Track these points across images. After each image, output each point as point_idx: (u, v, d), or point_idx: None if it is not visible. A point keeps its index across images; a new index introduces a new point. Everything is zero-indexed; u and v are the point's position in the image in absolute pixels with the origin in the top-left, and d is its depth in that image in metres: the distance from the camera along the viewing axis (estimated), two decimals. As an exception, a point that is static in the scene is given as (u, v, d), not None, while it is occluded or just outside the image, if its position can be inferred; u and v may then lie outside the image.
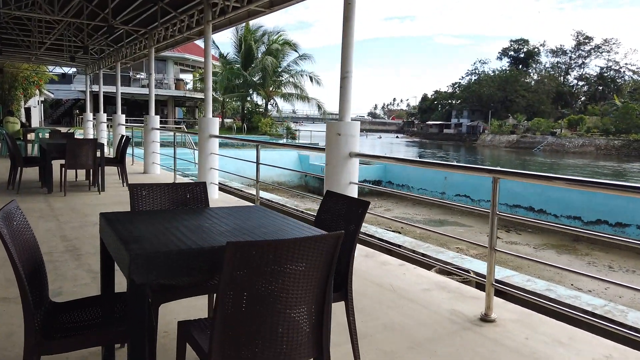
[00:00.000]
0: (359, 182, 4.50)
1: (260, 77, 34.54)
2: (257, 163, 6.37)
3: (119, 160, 8.56)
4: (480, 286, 3.79)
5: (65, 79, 40.16)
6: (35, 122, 29.94)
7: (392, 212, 19.58)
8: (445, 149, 69.74)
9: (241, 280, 1.54)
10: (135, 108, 42.69)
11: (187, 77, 47.12)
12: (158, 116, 11.02)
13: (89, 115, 19.02)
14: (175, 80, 42.63)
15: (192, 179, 12.24)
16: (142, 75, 44.38)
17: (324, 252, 1.65)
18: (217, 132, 7.80)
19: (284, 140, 33.09)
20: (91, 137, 18.79)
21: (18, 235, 1.97)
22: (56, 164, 7.72)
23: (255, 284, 1.56)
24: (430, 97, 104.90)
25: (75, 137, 9.92)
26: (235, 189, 9.62)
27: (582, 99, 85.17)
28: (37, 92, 23.78)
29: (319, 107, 35.31)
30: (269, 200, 9.22)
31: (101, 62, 17.00)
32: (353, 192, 4.58)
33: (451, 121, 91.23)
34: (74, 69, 39.44)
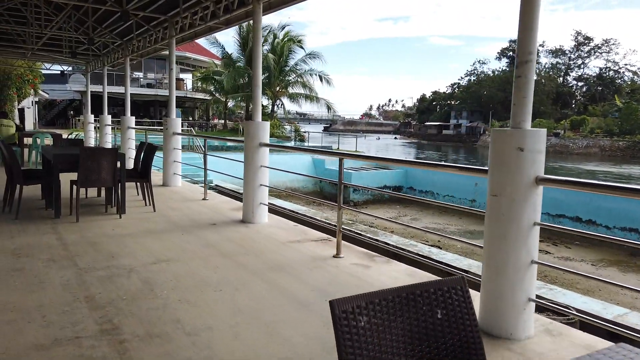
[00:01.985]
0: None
1: (266, 76, 32.88)
2: (341, 182, 4.81)
3: (141, 174, 6.93)
4: None
5: (61, 78, 38.32)
6: (29, 124, 28.14)
7: (420, 221, 18.05)
8: (444, 150, 68.61)
9: None
10: (133, 109, 40.84)
11: (187, 77, 45.41)
12: (180, 119, 9.40)
13: (90, 117, 17.32)
14: (176, 80, 40.94)
15: (200, 186, 10.64)
16: (140, 74, 42.60)
17: None
18: (268, 139, 6.21)
19: (292, 143, 31.47)
20: (92, 140, 17.11)
21: None
22: (63, 178, 6.10)
23: None
24: (428, 97, 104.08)
25: (87, 145, 8.24)
26: (285, 209, 8.01)
27: (581, 99, 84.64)
28: (32, 91, 22.01)
29: (329, 108, 33.68)
30: (318, 220, 7.62)
31: (105, 58, 15.32)
32: (536, 235, 3.03)
33: (450, 122, 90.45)
34: (70, 68, 37.68)
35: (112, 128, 15.34)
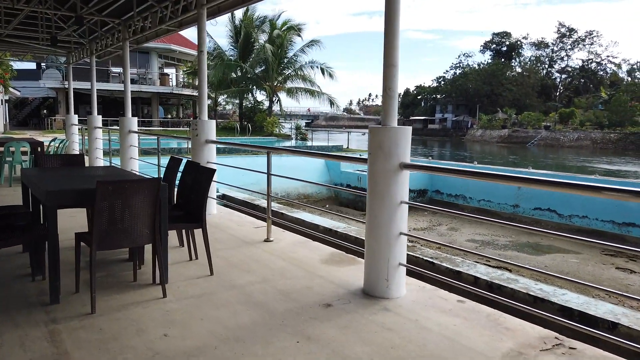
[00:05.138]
0: None
1: (263, 69, 30.06)
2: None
3: (188, 215, 4.35)
4: None
5: (32, 74, 34.86)
6: (-1, 125, 24.89)
7: (461, 232, 15.76)
8: (430, 145, 67.16)
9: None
10: (113, 107, 37.69)
11: (172, 72, 42.25)
12: (214, 121, 6.81)
13: (74, 118, 14.49)
14: (160, 75, 37.75)
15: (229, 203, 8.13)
16: (121, 70, 39.27)
17: None
18: (409, 156, 3.71)
19: (292, 142, 28.88)
20: (76, 144, 14.29)
21: None
22: (63, 218, 3.53)
23: None
24: (412, 91, 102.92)
25: (97, 166, 5.40)
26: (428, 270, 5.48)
27: (564, 92, 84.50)
28: (1, 88, 18.88)
29: (331, 103, 31.05)
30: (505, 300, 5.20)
31: (93, 46, 12.53)
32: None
33: (435, 116, 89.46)
34: (44, 64, 34.16)
35: (102, 131, 12.58)
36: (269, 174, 5.36)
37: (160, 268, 3.69)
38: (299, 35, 29.51)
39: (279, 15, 30.18)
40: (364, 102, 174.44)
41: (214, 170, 4.15)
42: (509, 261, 3.97)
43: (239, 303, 3.52)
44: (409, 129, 3.70)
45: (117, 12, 10.00)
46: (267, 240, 5.32)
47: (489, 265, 7.98)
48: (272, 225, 5.65)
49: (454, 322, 3.27)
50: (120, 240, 3.43)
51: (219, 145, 7.02)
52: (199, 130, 6.57)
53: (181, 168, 4.94)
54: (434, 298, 3.70)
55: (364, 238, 5.76)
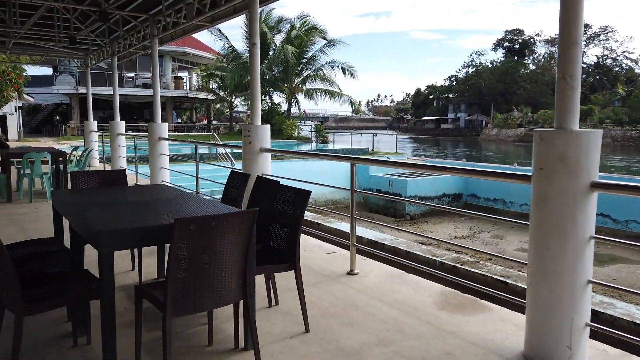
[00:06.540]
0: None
1: (281, 71, 29.00)
2: None
3: (265, 250, 3.33)
4: None
5: (45, 79, 34.16)
6: (13, 133, 24.06)
7: (508, 240, 14.62)
8: (444, 144, 66.00)
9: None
10: (127, 112, 36.90)
11: (186, 75, 41.43)
12: (269, 126, 5.80)
13: (93, 124, 13.58)
14: (174, 79, 36.87)
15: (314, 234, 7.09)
16: (133, 74, 38.51)
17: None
18: (597, 175, 2.65)
19: (313, 145, 27.84)
20: (97, 150, 13.33)
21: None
22: (92, 252, 2.51)
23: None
24: (423, 91, 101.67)
25: (145, 185, 4.22)
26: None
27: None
28: (15, 94, 18.04)
29: (352, 104, 29.93)
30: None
31: (114, 45, 11.58)
32: None
33: (448, 116, 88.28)
34: (57, 71, 33.46)
35: (126, 138, 11.64)
36: (352, 190, 4.32)
37: (250, 331, 2.65)
38: (324, 38, 28.40)
39: (302, 17, 29.06)
40: (372, 103, 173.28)
41: (308, 193, 3.11)
42: None
43: (370, 385, 2.48)
44: (600, 132, 2.64)
45: (143, 7, 9.06)
46: (351, 272, 4.27)
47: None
48: (361, 258, 4.61)
49: None
50: (203, 300, 2.39)
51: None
52: (252, 137, 5.55)
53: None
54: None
55: (478, 271, 4.69)
